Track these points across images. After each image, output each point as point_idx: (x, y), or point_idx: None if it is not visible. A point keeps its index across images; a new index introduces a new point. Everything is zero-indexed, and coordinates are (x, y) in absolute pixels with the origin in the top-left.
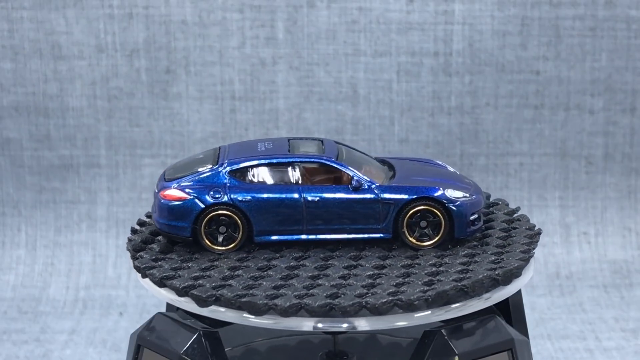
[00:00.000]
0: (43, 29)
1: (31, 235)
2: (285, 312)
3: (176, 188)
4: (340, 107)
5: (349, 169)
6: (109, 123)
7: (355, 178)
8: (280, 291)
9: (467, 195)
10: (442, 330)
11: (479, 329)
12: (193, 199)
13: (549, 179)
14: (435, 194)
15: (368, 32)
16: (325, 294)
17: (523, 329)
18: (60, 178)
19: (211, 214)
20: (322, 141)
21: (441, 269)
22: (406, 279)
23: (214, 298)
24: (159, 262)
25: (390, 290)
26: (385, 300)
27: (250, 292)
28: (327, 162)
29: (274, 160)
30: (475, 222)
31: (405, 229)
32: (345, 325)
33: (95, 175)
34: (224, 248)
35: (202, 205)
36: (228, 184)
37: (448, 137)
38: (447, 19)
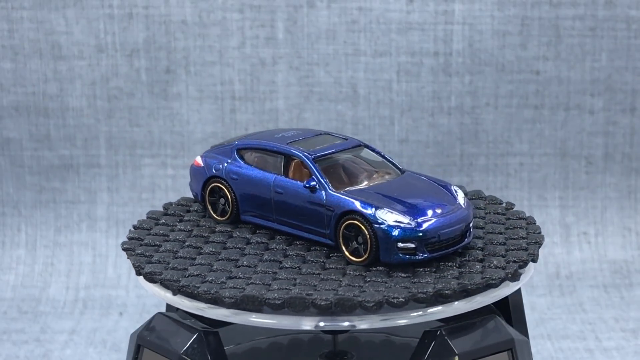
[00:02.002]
0: (43, 29)
1: (31, 235)
2: (167, 286)
3: (200, 156)
4: (340, 107)
5: (314, 168)
6: (109, 123)
7: (313, 179)
8: (177, 267)
9: (404, 222)
10: (442, 330)
11: (479, 329)
12: (204, 167)
13: (549, 179)
14: (364, 210)
15: (368, 32)
16: (196, 274)
17: (523, 329)
18: (60, 178)
19: (212, 185)
20: (345, 139)
21: (328, 282)
22: (278, 284)
23: (140, 268)
24: (157, 221)
25: (245, 287)
26: (229, 294)
27: (154, 258)
28: (302, 158)
29: (268, 148)
30: (418, 254)
31: (340, 240)
32: (346, 323)
33: (95, 175)
34: (220, 218)
35: (207, 175)
36: (230, 161)
37: (448, 137)
38: (447, 19)
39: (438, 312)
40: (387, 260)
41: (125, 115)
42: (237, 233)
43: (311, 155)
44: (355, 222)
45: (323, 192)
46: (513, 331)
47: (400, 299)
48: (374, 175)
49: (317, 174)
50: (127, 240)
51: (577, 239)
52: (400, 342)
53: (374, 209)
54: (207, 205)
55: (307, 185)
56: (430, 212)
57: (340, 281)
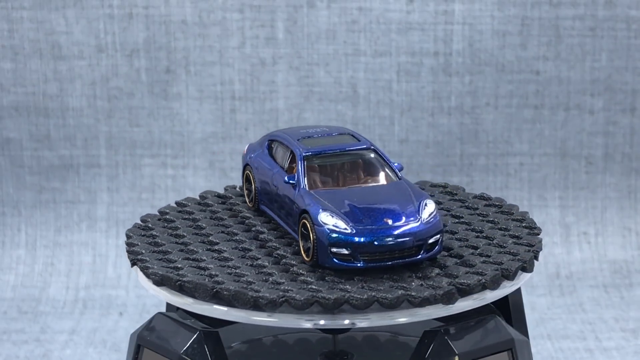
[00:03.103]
0: (43, 29)
1: (31, 235)
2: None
3: (247, 145)
4: (340, 107)
5: (299, 165)
6: (109, 123)
7: (294, 175)
8: (157, 242)
9: (341, 227)
10: (442, 330)
11: (479, 329)
12: (243, 155)
13: (549, 179)
14: (311, 211)
15: (368, 32)
16: (163, 251)
17: (523, 329)
18: (60, 178)
19: (246, 172)
20: (358, 140)
21: (257, 276)
22: (228, 278)
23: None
24: (200, 201)
25: (181, 269)
26: (155, 272)
27: (149, 233)
28: (296, 154)
29: (281, 141)
30: (353, 261)
31: (299, 237)
32: (346, 322)
33: (95, 175)
34: (251, 205)
35: (244, 163)
36: (261, 150)
37: (448, 137)
38: (447, 19)
39: (438, 311)
40: (323, 264)
41: (125, 115)
42: (251, 220)
43: (303, 152)
44: (306, 221)
45: (297, 189)
46: (513, 331)
47: (299, 301)
48: (369, 180)
49: (300, 170)
50: (150, 213)
51: (577, 239)
52: (400, 342)
53: (319, 211)
54: (244, 192)
55: (287, 181)
56: (375, 222)
57: (270, 276)
